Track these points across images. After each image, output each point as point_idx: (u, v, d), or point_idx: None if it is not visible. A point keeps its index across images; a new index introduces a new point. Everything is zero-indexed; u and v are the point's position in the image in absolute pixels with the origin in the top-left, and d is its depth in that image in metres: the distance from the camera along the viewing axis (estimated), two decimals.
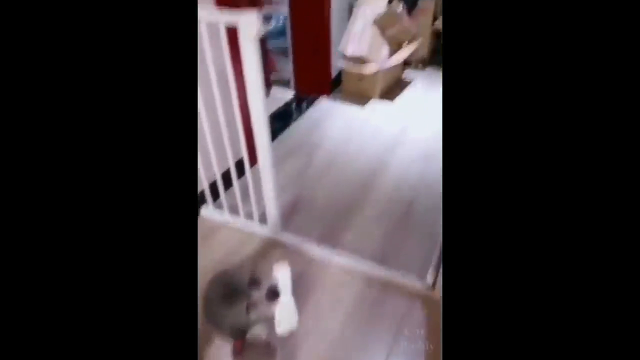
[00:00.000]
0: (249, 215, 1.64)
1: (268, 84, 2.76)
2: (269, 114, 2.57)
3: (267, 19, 2.83)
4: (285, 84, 2.81)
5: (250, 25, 1.06)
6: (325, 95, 2.71)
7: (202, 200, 1.73)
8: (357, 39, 2.51)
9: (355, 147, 2.23)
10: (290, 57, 2.67)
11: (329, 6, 2.42)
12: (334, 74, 2.72)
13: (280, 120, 2.49)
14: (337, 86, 2.78)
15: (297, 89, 2.76)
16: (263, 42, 2.65)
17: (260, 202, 1.56)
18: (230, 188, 1.67)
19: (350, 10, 2.67)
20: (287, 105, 2.66)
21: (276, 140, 2.31)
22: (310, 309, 1.34)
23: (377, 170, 2.04)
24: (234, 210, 1.67)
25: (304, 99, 2.70)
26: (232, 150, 1.48)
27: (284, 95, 2.75)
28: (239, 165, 1.56)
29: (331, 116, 2.53)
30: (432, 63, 3.07)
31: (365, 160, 2.12)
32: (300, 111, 2.60)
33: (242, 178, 1.67)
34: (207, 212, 1.73)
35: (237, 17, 1.07)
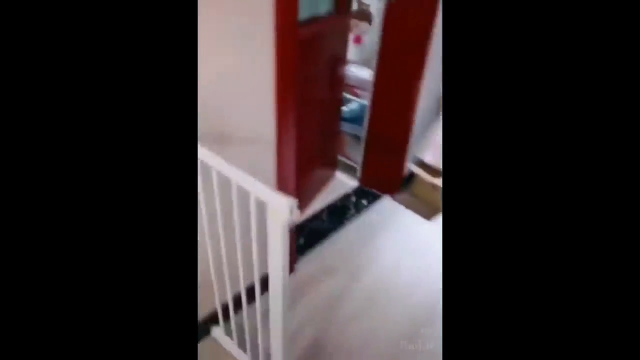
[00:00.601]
0: (255, 357, 1.41)
1: (334, 165, 2.57)
2: (327, 203, 2.39)
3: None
4: (350, 170, 2.59)
5: (279, 210, 0.85)
6: (390, 195, 2.44)
7: (215, 320, 1.54)
8: (439, 148, 2.22)
9: (406, 279, 1.91)
10: (362, 146, 2.45)
11: (415, 105, 2.17)
12: (405, 173, 2.44)
13: (335, 217, 2.26)
14: (406, 187, 2.49)
15: (362, 181, 2.52)
16: (338, 121, 2.47)
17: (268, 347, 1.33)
18: (241, 312, 1.46)
19: (437, 113, 2.39)
20: (346, 198, 2.42)
21: (326, 243, 2.08)
22: None
23: (424, 323, 1.70)
24: (243, 342, 1.45)
25: (367, 193, 2.45)
26: (246, 272, 1.25)
27: (347, 183, 2.53)
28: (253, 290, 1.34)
29: (391, 225, 2.24)
30: None
31: (413, 304, 1.79)
32: (358, 208, 2.35)
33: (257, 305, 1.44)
34: (218, 334, 1.53)
35: (267, 196, 0.87)
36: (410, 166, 2.37)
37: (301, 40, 1.64)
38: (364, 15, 2.97)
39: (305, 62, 1.74)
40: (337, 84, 2.20)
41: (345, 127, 2.59)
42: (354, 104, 2.69)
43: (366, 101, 2.29)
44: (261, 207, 0.91)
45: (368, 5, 2.97)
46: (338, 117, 2.42)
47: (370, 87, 2.24)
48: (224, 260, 1.26)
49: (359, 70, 2.47)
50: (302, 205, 2.24)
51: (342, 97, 2.37)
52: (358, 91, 2.44)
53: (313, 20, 1.73)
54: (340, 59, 2.12)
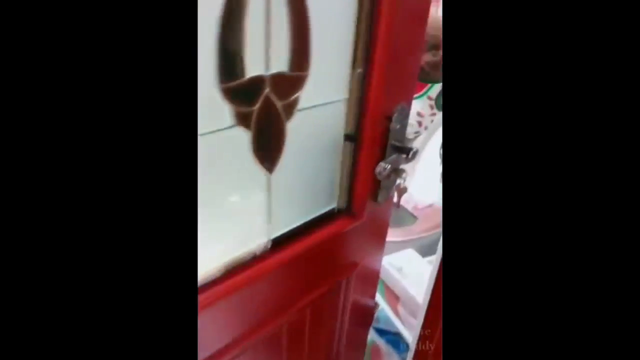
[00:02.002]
0: None
1: None
2: None
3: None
4: None
5: None
6: None
7: None
8: None
9: None
10: None
11: None
12: None
13: None
14: None
15: None
16: (363, 332, 1.34)
17: None
18: None
19: None
20: None
21: None
22: None
23: None
24: None
25: None
26: None
27: None
28: None
29: None
30: None
31: None
32: None
33: None
34: None
35: None
36: None
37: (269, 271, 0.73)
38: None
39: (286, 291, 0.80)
40: (364, 290, 1.20)
41: (378, 338, 1.53)
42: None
43: (408, 335, 1.22)
44: None
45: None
46: (364, 327, 1.40)
47: (422, 313, 1.18)
48: None
49: (410, 283, 1.40)
50: None
51: (374, 305, 1.34)
52: (400, 308, 1.38)
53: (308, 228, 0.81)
54: (366, 260, 1.12)
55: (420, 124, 1.60)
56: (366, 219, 0.92)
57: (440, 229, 1.83)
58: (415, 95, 1.59)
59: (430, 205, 1.97)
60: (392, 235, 1.75)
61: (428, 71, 1.49)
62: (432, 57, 1.45)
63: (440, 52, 1.45)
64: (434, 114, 1.60)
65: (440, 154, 1.93)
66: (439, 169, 1.96)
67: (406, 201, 2.02)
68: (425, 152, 2.03)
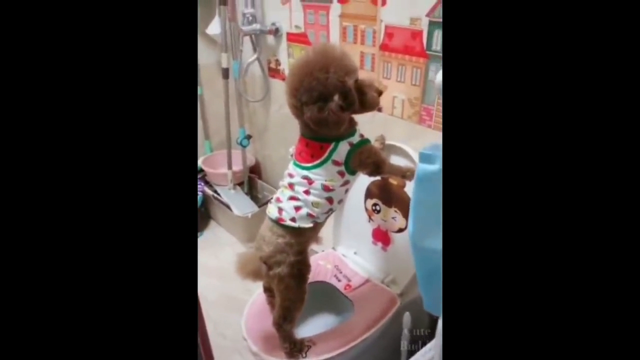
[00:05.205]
0: None
1: None
2: None
3: None
4: None
5: None
6: None
7: None
8: None
9: None
10: None
11: None
12: None
13: None
14: None
15: None
16: None
17: None
18: None
19: None
20: None
21: None
22: None
23: None
24: None
25: None
26: None
27: None
28: None
29: None
30: None
31: None
32: None
33: None
34: None
35: None
36: None
37: None
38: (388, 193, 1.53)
39: None
40: None
41: None
42: None
43: None
44: None
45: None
46: None
47: None
48: None
49: None
50: None
51: None
52: None
53: None
54: None
55: (330, 200, 1.19)
56: None
57: (385, 321, 1.42)
58: (316, 162, 1.17)
59: (367, 282, 1.56)
60: (323, 349, 1.31)
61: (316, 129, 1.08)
62: (316, 113, 1.03)
63: (332, 106, 1.03)
64: (346, 183, 1.20)
65: (369, 209, 1.54)
66: (368, 228, 1.56)
67: (333, 275, 1.59)
68: (348, 211, 1.64)
